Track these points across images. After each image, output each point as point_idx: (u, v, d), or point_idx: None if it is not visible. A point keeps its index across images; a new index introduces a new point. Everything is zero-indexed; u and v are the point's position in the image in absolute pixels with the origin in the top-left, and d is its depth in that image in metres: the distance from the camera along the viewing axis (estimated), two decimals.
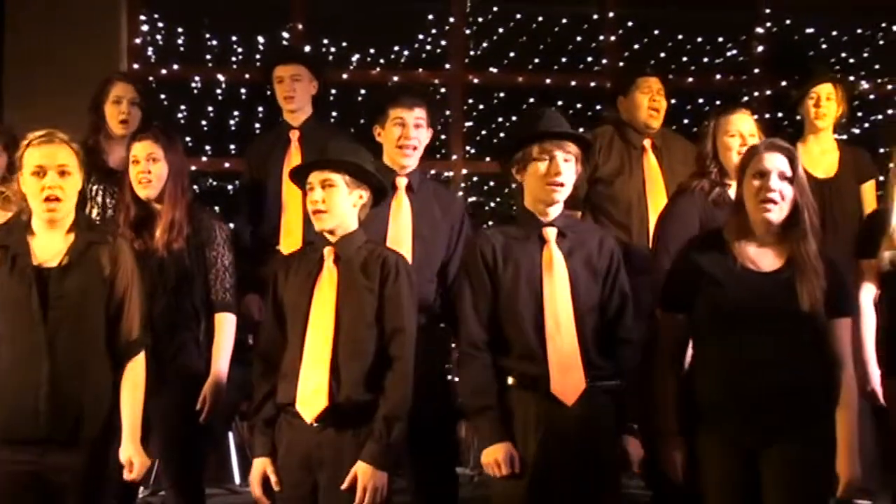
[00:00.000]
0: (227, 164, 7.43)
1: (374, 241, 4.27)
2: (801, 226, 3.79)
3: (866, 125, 8.09)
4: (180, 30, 7.71)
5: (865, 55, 8.19)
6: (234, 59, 7.83)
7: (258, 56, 7.73)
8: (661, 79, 5.96)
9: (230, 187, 7.88)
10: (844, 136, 6.38)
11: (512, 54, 7.98)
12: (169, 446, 4.60)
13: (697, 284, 3.83)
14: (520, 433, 3.92)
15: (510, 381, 3.97)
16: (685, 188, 4.90)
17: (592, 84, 7.40)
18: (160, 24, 7.63)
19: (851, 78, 7.59)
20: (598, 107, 6.99)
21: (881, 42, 8.10)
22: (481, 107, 8.13)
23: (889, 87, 7.89)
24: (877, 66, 8.08)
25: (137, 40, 7.40)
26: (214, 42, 7.79)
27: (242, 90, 7.86)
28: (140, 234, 4.66)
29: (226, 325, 4.70)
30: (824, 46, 8.16)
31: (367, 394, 3.96)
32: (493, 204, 8.50)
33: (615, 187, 5.74)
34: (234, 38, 7.79)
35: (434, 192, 5.13)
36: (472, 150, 7.80)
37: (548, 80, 7.79)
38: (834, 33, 8.16)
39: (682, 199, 4.85)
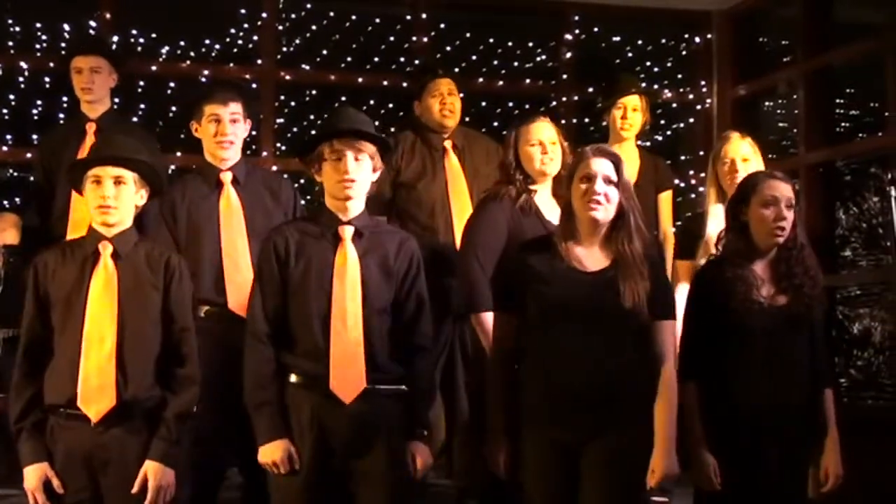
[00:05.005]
0: (28, 155, 7.19)
1: (146, 239, 4.28)
2: (626, 228, 3.90)
3: (668, 133, 8.32)
4: None
5: (669, 64, 8.42)
6: (37, 46, 7.60)
7: (63, 44, 7.53)
8: (452, 78, 6.03)
9: (31, 178, 7.67)
10: (648, 144, 6.55)
11: (324, 52, 7.96)
12: None
13: (526, 283, 3.90)
14: (296, 430, 3.94)
15: (292, 377, 3.97)
16: (493, 195, 4.92)
17: (404, 84, 7.42)
18: None
19: (655, 86, 7.83)
20: (410, 107, 7.01)
21: (684, 52, 8.33)
22: (293, 104, 8.10)
23: (691, 96, 8.12)
24: (680, 76, 8.32)
25: None
26: (17, 28, 7.55)
27: (46, 78, 7.64)
28: None
29: None
30: (630, 55, 8.35)
31: (154, 391, 3.96)
32: (303, 202, 8.46)
33: (418, 190, 5.79)
34: (37, 25, 7.56)
35: (262, 180, 5.10)
36: (283, 148, 7.75)
37: (360, 80, 7.79)
38: (639, 42, 8.35)
39: (491, 206, 4.87)
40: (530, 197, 4.85)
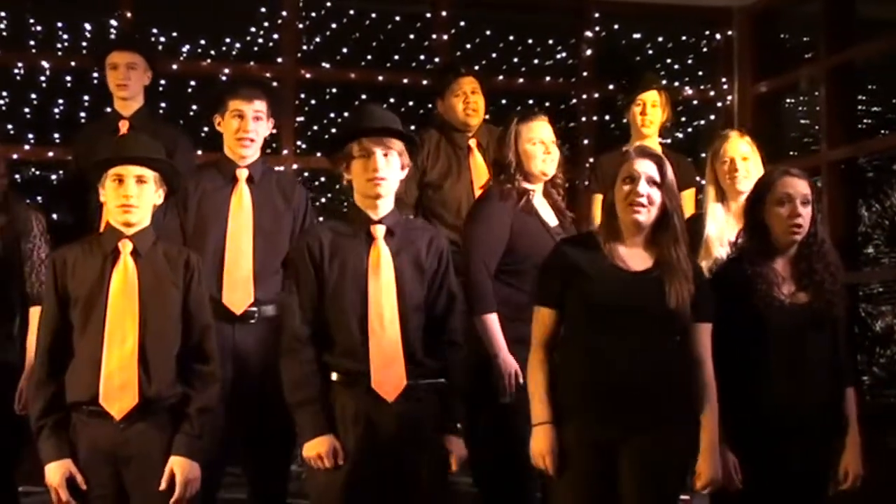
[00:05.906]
0: (50, 153, 7.23)
1: (165, 238, 4.31)
2: (671, 230, 3.87)
3: (689, 130, 8.30)
4: (2, 14, 7.48)
5: (690, 61, 8.40)
6: (59, 45, 7.63)
7: (84, 43, 7.56)
8: (475, 76, 6.01)
9: (53, 177, 7.71)
10: (669, 141, 6.53)
11: (345, 50, 7.97)
12: None
13: (569, 279, 3.89)
14: (340, 427, 3.95)
15: (333, 376, 4.00)
16: (497, 193, 4.82)
17: (424, 82, 7.42)
18: None
19: (676, 84, 7.81)
20: (430, 105, 7.03)
21: (704, 49, 8.30)
22: (313, 102, 8.11)
23: (712, 93, 8.10)
24: (700, 73, 8.30)
25: None
26: (39, 28, 7.58)
27: (67, 77, 7.67)
28: None
29: None
30: (651, 52, 8.33)
31: (176, 388, 3.98)
32: (323, 200, 8.49)
33: (444, 190, 5.79)
34: (59, 25, 7.59)
35: (276, 182, 5.08)
36: (304, 146, 7.76)
37: (380, 78, 7.79)
38: (660, 39, 8.34)
39: (497, 205, 4.78)
40: (530, 197, 4.81)
